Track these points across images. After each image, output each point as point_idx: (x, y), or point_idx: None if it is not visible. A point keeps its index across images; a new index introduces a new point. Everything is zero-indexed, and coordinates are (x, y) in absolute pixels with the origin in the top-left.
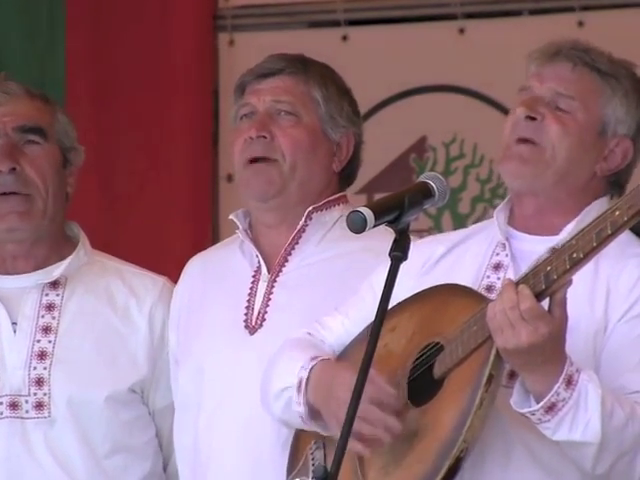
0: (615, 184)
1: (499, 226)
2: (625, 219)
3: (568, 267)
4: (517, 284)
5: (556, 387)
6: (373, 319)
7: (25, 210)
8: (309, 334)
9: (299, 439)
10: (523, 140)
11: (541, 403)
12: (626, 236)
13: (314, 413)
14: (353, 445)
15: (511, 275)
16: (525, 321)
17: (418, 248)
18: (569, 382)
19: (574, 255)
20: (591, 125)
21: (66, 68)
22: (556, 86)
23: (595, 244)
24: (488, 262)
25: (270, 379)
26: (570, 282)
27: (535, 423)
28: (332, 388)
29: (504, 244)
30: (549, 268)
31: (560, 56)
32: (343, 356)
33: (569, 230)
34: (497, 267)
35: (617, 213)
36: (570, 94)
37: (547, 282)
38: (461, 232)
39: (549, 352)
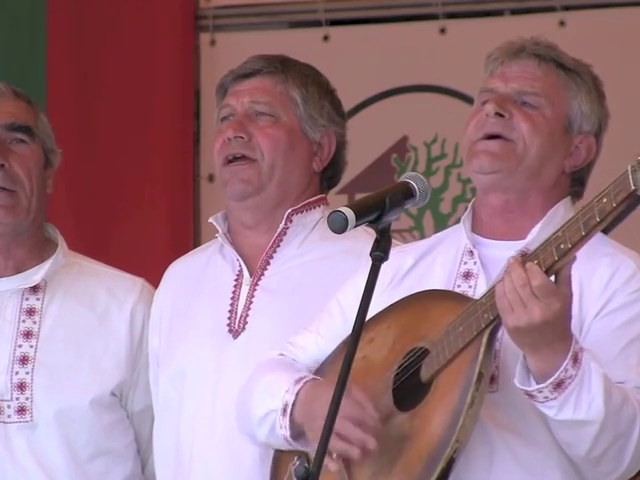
0: (577, 182)
1: (466, 233)
2: (614, 205)
3: (556, 259)
4: (523, 263)
5: (564, 364)
6: (352, 324)
7: (11, 205)
8: (281, 355)
9: (281, 454)
10: (491, 136)
11: (550, 379)
12: (595, 236)
13: (299, 434)
14: (326, 462)
15: (482, 283)
16: (537, 298)
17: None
18: (575, 359)
19: (562, 246)
20: (558, 121)
21: (47, 69)
22: (521, 85)
23: (584, 233)
24: (457, 271)
25: (249, 405)
26: (574, 258)
27: (539, 402)
28: (312, 406)
29: (471, 252)
30: (536, 262)
31: (525, 53)
32: (319, 373)
33: (535, 233)
34: (467, 275)
35: (604, 200)
36: (536, 91)
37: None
38: (426, 242)
39: (559, 329)
